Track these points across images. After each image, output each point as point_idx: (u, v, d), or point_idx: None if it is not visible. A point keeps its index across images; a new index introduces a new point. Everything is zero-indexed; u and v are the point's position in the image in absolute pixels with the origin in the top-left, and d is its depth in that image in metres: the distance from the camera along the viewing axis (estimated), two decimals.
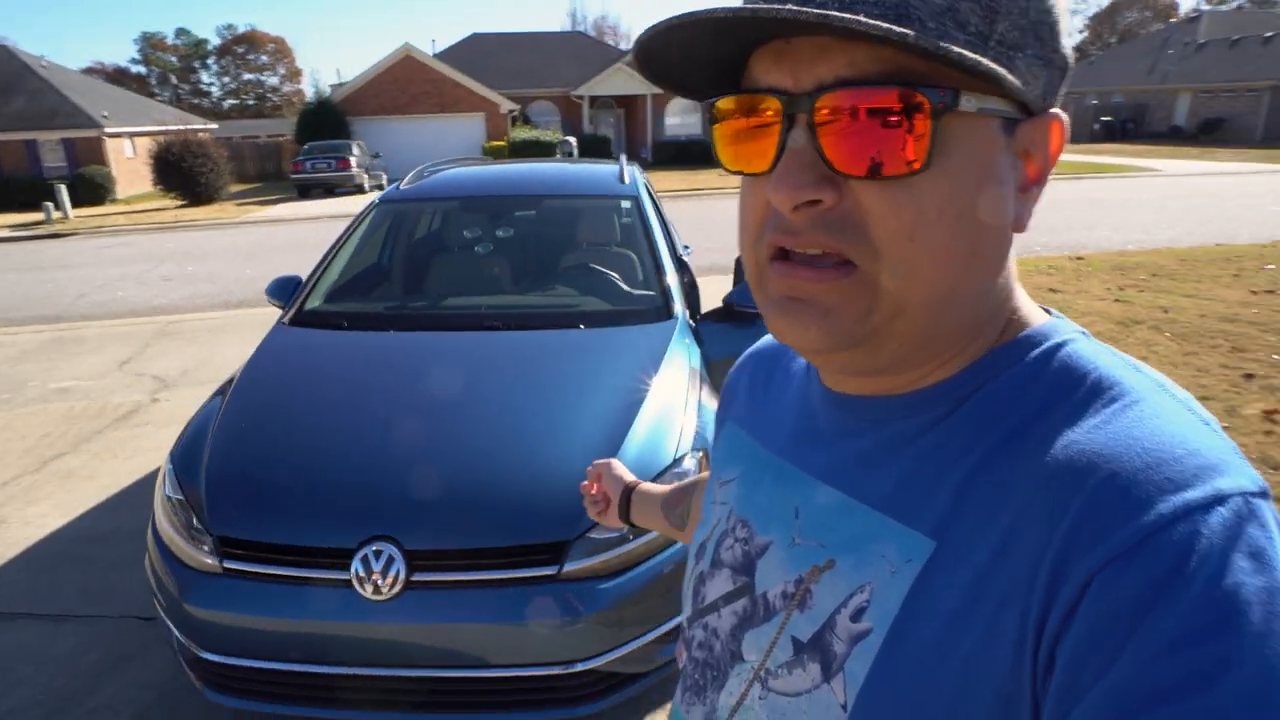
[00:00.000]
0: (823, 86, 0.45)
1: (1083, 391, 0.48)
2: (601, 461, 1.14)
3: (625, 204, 3.59)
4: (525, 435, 2.28)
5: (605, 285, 3.29)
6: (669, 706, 2.36)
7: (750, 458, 0.67)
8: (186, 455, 2.36)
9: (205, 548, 2.09)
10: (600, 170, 3.98)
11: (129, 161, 26.51)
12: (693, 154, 28.85)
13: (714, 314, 3.16)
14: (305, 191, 21.21)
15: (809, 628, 0.54)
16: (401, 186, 3.84)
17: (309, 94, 30.41)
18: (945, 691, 0.46)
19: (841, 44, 0.44)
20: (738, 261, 3.36)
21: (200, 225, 16.71)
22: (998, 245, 0.50)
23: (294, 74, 76.99)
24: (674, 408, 2.42)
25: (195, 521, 2.15)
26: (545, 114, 31.51)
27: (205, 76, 75.99)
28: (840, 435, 0.58)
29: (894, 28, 0.41)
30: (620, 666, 2.05)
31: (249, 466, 2.25)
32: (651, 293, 3.15)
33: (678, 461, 2.25)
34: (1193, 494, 0.41)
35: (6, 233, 17.05)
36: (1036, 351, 0.51)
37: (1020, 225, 0.50)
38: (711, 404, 2.63)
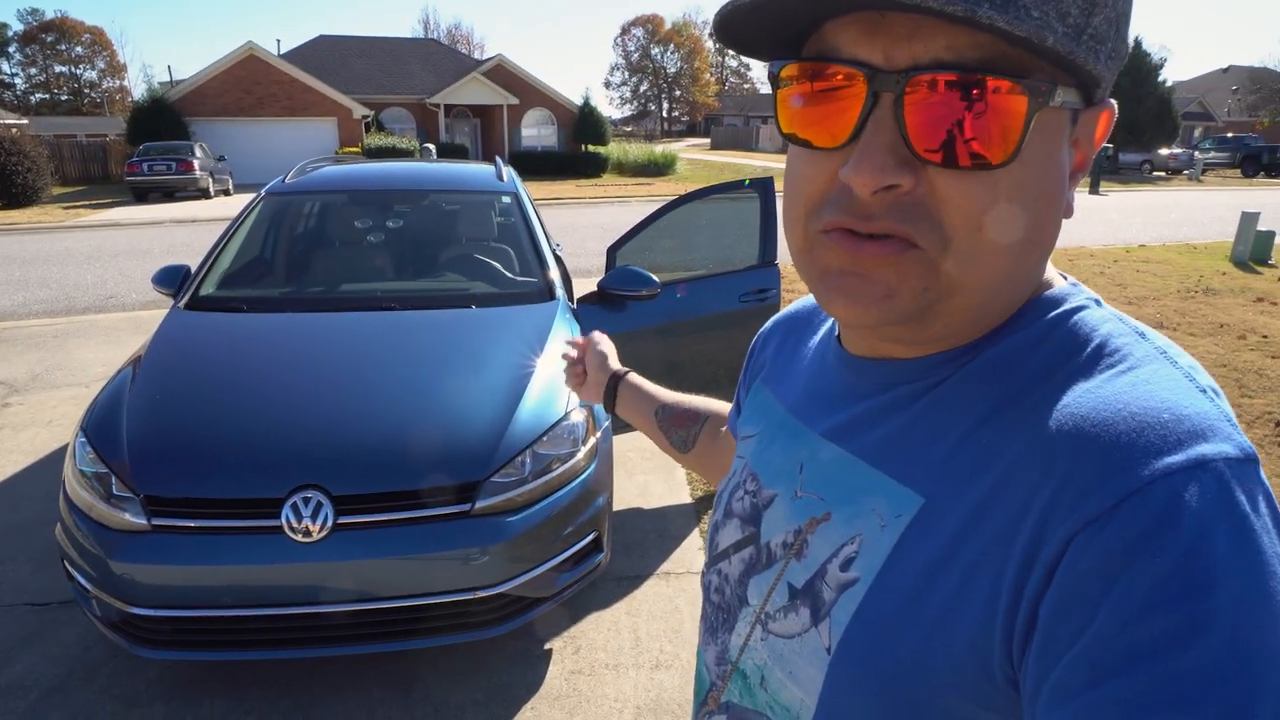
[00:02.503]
0: (918, 66, 0.44)
1: (1082, 356, 0.49)
2: (591, 335, 1.18)
3: (505, 199, 3.93)
4: (434, 392, 2.60)
5: (491, 272, 3.61)
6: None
7: (769, 416, 0.70)
8: (102, 427, 2.49)
9: (130, 510, 2.24)
10: (479, 169, 4.31)
11: None
12: (549, 165, 29.20)
13: (588, 298, 3.55)
14: (142, 195, 19.79)
15: (803, 575, 0.57)
16: (286, 180, 4.00)
17: (137, 92, 28.30)
18: (918, 641, 0.48)
19: (941, 24, 0.43)
20: (609, 250, 3.75)
21: (22, 229, 15.35)
22: (1055, 231, 0.50)
23: (116, 69, 70.99)
24: (559, 374, 2.79)
25: (117, 488, 2.29)
26: (400, 121, 30.95)
27: (6, 66, 68.80)
28: (850, 396, 0.60)
29: (1000, 18, 0.40)
30: (525, 591, 2.39)
31: (172, 430, 2.43)
32: (534, 279, 3.50)
33: (566, 416, 2.62)
34: (1174, 458, 0.41)
35: None
36: (1046, 317, 0.52)
37: (1069, 210, 0.51)
38: None
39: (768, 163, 36.47)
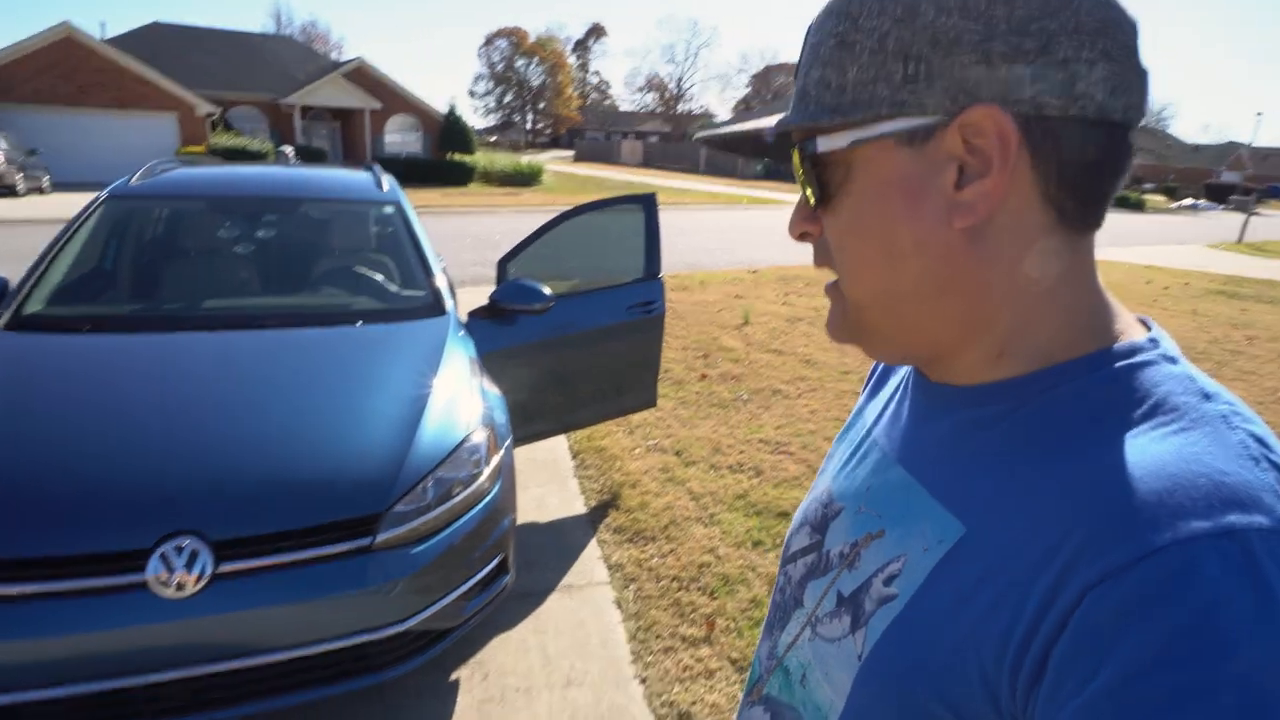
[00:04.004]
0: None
1: (1136, 410, 0.49)
2: None
3: (388, 209, 3.71)
4: (323, 418, 2.37)
5: (375, 285, 3.40)
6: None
7: (856, 435, 0.75)
8: None
9: None
10: (356, 176, 4.03)
11: None
12: (414, 173, 28.31)
13: (479, 312, 3.40)
14: None
15: (851, 585, 0.61)
16: (132, 182, 3.59)
17: None
18: (937, 663, 0.50)
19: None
20: (500, 263, 3.62)
21: None
22: (921, 248, 0.53)
23: None
24: (460, 390, 2.65)
25: None
26: (250, 120, 29.10)
27: None
28: (919, 420, 0.64)
29: (762, 124, 0.62)
30: (432, 624, 2.23)
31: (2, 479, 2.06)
32: (422, 293, 3.32)
33: (467, 438, 2.47)
34: (1200, 524, 0.41)
35: None
36: (1114, 366, 0.52)
37: (963, 221, 0.51)
38: (492, 388, 2.88)
39: (630, 176, 37.06)
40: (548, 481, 4.08)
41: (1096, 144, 0.50)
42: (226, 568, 1.98)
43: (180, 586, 1.92)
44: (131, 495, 2.05)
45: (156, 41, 29.12)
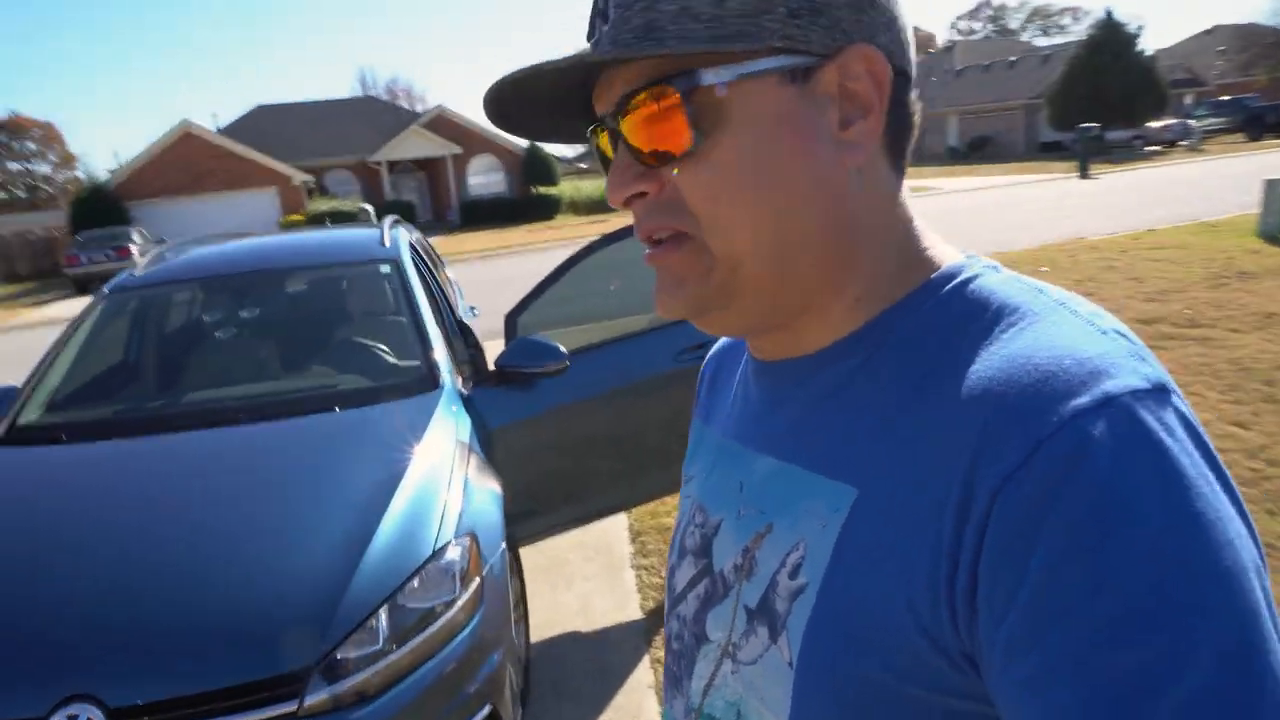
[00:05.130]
0: (615, 105, 0.53)
1: (984, 320, 0.50)
2: None
3: (384, 268, 3.34)
4: (252, 551, 2.00)
5: (365, 359, 3.05)
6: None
7: (708, 447, 0.71)
8: None
9: None
10: (358, 235, 3.72)
11: None
12: (500, 212, 28.83)
13: (486, 381, 2.99)
14: (84, 286, 19.10)
15: (755, 594, 0.56)
16: (136, 272, 3.41)
17: (85, 180, 27.76)
18: (875, 634, 0.46)
19: (622, 70, 0.53)
20: (507, 318, 3.20)
21: None
22: (820, 188, 0.52)
23: (67, 160, 69.76)
24: (435, 490, 2.22)
25: None
26: (344, 183, 30.47)
27: None
28: (772, 405, 0.61)
29: (606, 53, 0.51)
30: None
31: None
32: (415, 363, 2.93)
33: (438, 554, 2.04)
34: (1079, 400, 0.41)
35: None
36: (944, 289, 0.53)
37: (849, 163, 0.52)
38: (483, 481, 2.44)
39: None
40: (596, 574, 3.50)
41: (912, 97, 0.56)
42: None
43: None
44: (30, 653, 1.77)
45: (261, 123, 31.07)
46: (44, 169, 68.70)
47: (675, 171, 0.52)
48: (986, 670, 0.42)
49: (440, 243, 22.28)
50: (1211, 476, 0.41)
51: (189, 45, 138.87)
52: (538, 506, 3.05)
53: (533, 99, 0.57)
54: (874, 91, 0.51)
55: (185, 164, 24.87)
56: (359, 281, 3.49)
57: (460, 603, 2.01)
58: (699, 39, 0.49)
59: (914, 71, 0.56)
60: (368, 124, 32.01)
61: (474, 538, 2.16)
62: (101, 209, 23.21)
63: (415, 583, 1.97)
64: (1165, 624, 0.37)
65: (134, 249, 19.22)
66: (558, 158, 32.37)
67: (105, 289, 3.33)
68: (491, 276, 12.90)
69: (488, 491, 2.42)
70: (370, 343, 3.09)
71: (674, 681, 0.67)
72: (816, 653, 0.50)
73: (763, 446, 0.60)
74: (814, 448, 0.55)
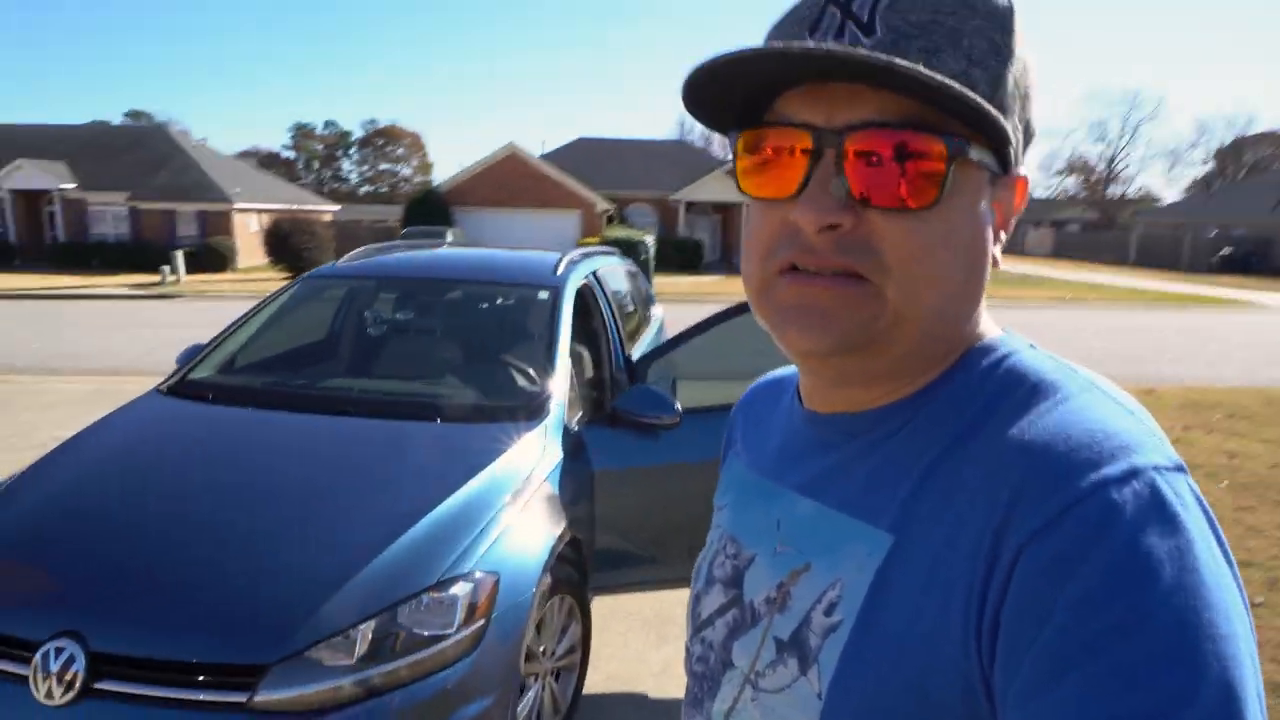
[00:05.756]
0: (852, 126, 0.51)
1: (1022, 393, 0.53)
2: None
3: (542, 294, 3.39)
4: (276, 538, 2.06)
5: (491, 377, 3.09)
6: None
7: (742, 483, 0.73)
8: None
9: None
10: (538, 259, 3.81)
11: (253, 235, 28.69)
12: None
13: (600, 420, 2.90)
14: None
15: (788, 627, 0.58)
16: (339, 264, 3.81)
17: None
18: (908, 672, 0.49)
19: (873, 91, 0.50)
20: (638, 363, 3.09)
21: None
22: (985, 273, 0.57)
23: (425, 166, 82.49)
24: (472, 519, 2.16)
25: None
26: (643, 215, 32.40)
27: (346, 165, 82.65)
28: (817, 451, 0.63)
29: (948, 81, 0.47)
30: None
31: None
32: (530, 390, 2.92)
33: (443, 584, 1.96)
34: (1109, 469, 0.45)
35: (125, 290, 18.55)
36: (985, 361, 0.57)
37: (997, 262, 0.58)
38: (540, 521, 2.34)
39: (1024, 267, 33.16)
40: (678, 637, 3.31)
41: None
42: (102, 685, 1.73)
43: (50, 694, 1.72)
44: (48, 582, 1.95)
45: (579, 153, 34.17)
46: (405, 171, 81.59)
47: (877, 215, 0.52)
48: (1000, 706, 0.45)
49: (712, 283, 22.92)
50: (1217, 550, 0.45)
51: (544, 77, 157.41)
52: (625, 558, 2.90)
53: (730, 80, 0.54)
54: (1012, 212, 0.59)
55: (505, 181, 28.00)
56: (518, 303, 3.59)
57: (454, 639, 1.91)
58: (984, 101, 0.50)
59: None
60: (675, 165, 33.87)
61: (496, 579, 2.06)
62: (431, 210, 26.79)
63: (412, 606, 1.91)
64: (1168, 676, 0.40)
65: (444, 246, 21.90)
66: None
67: (307, 274, 3.72)
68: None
69: (541, 533, 2.31)
70: (503, 363, 3.13)
71: (694, 702, 0.70)
72: (847, 685, 0.53)
73: (804, 489, 0.62)
74: (856, 496, 0.57)
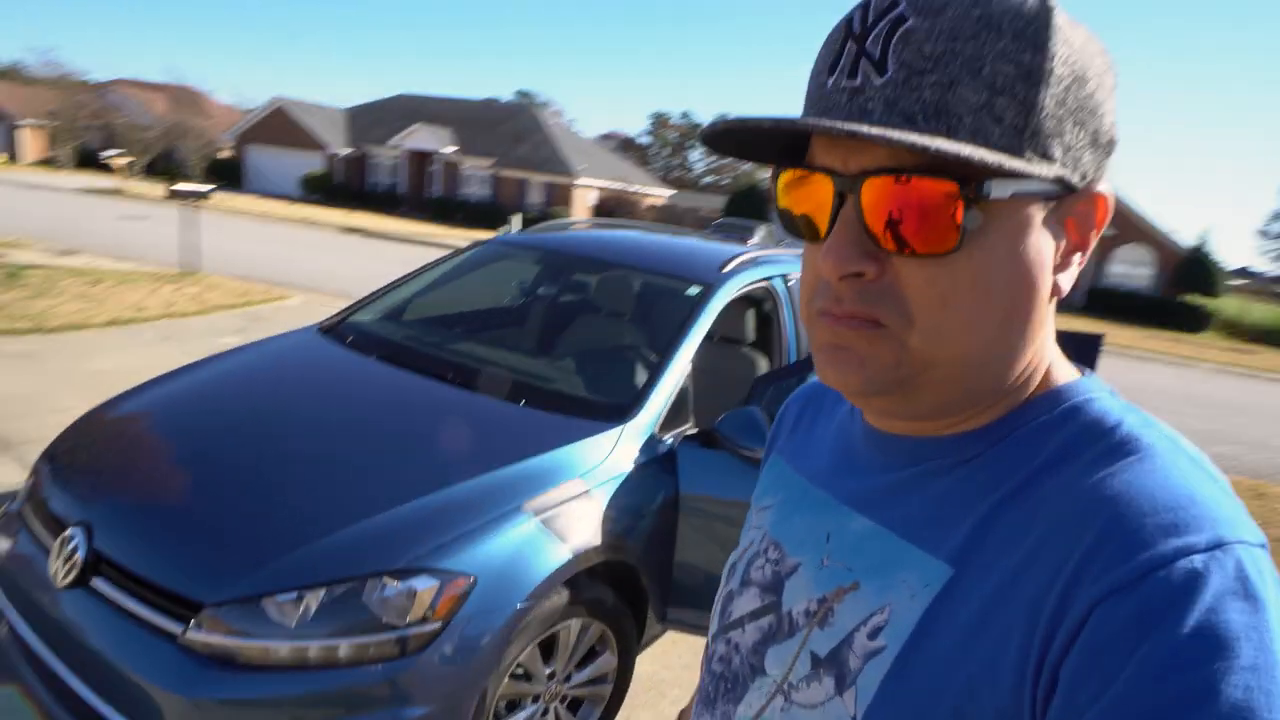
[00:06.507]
0: (866, 172, 0.49)
1: (1101, 442, 0.51)
2: None
3: (692, 291, 3.08)
4: (285, 484, 2.07)
5: (600, 369, 2.88)
6: None
7: (789, 486, 0.71)
8: None
9: None
10: (715, 252, 3.46)
11: (589, 208, 31.35)
12: (1133, 308, 25.00)
13: (695, 437, 2.56)
14: None
15: (827, 644, 0.57)
16: (522, 232, 3.83)
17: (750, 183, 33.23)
18: (947, 707, 0.48)
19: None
20: (756, 382, 2.69)
21: None
22: (1033, 311, 0.53)
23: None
24: (473, 513, 1.98)
25: None
26: None
27: (694, 155, 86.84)
28: (877, 469, 0.61)
29: (912, 138, 0.45)
30: None
31: (82, 426, 2.39)
32: (629, 388, 2.65)
33: (405, 572, 1.81)
34: (1195, 538, 0.43)
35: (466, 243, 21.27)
36: (1066, 405, 0.54)
37: (1058, 291, 0.54)
38: (561, 533, 2.10)
39: None
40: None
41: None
42: (95, 582, 1.85)
43: (56, 573, 1.88)
44: (103, 476, 2.14)
45: None
46: (746, 167, 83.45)
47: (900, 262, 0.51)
48: None
49: None
50: None
51: None
52: (688, 595, 2.56)
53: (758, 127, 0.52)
54: (1093, 228, 0.53)
55: None
56: (665, 295, 3.30)
57: (400, 634, 1.76)
58: (993, 143, 0.47)
59: None
60: None
61: (470, 580, 1.87)
62: (751, 204, 27.19)
63: (370, 586, 1.78)
64: None
65: (751, 240, 22.11)
66: (1223, 268, 26.51)
67: (491, 239, 3.75)
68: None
69: (560, 545, 2.07)
70: (618, 355, 2.91)
71: (706, 700, 0.68)
72: (884, 714, 0.51)
73: (859, 505, 0.60)
74: (915, 520, 0.56)
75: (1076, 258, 0.54)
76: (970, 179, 0.47)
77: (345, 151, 33.80)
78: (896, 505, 0.57)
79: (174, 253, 10.97)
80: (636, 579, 2.42)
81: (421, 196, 32.85)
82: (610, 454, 2.33)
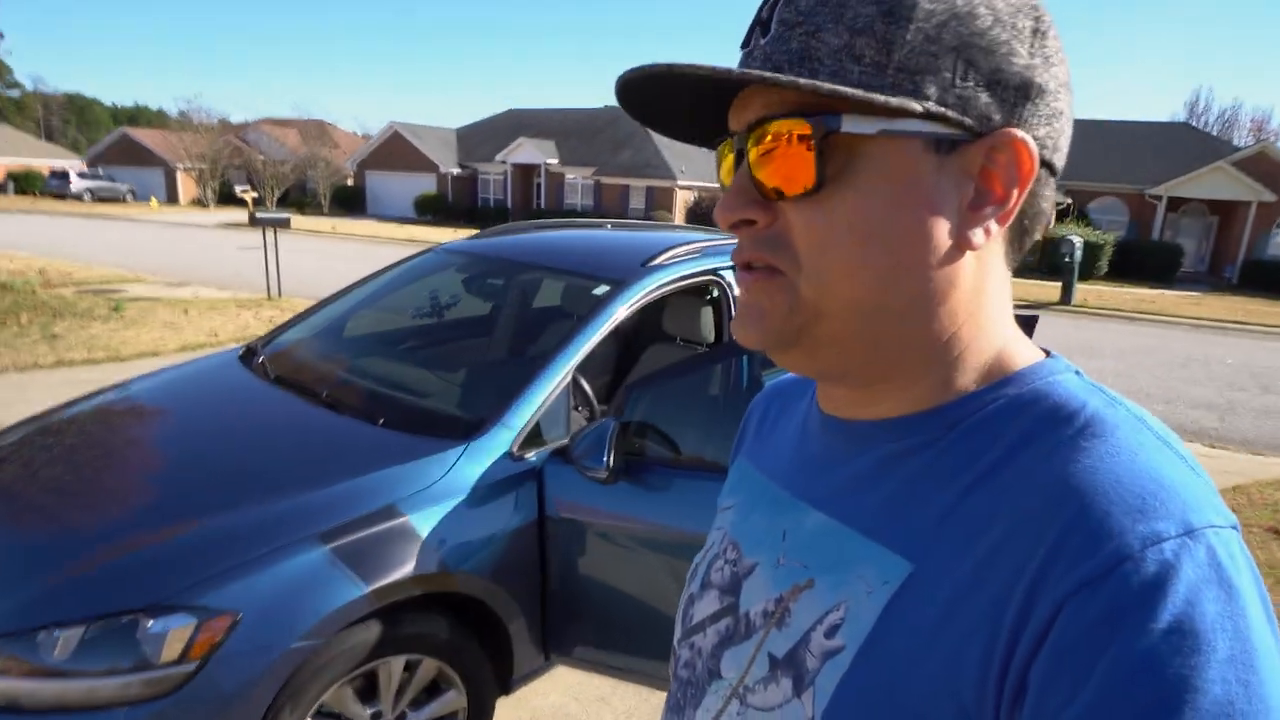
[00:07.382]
0: (750, 125, 0.52)
1: (1065, 427, 0.49)
2: None
3: (597, 290, 2.84)
4: (106, 510, 2.07)
5: (480, 384, 2.74)
6: None
7: (750, 486, 0.70)
8: None
9: None
10: (648, 242, 3.14)
11: (689, 210, 31.19)
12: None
13: (559, 453, 2.37)
14: None
15: (784, 644, 0.56)
16: (468, 240, 3.70)
17: None
18: (908, 707, 0.47)
19: (765, 91, 0.51)
20: (625, 389, 2.44)
21: None
22: (926, 261, 0.51)
23: None
24: (253, 543, 1.88)
25: None
26: (1109, 211, 27.43)
27: None
28: (833, 461, 0.60)
29: (743, 71, 0.48)
30: None
31: None
32: (483, 404, 2.48)
33: (159, 609, 1.73)
34: (1163, 526, 0.42)
35: None
36: (1027, 388, 0.53)
37: (968, 244, 0.51)
38: (364, 566, 1.96)
39: None
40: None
41: (1050, 191, 0.54)
42: None
43: None
44: None
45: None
46: None
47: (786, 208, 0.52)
48: None
49: (1164, 298, 18.40)
50: (1263, 614, 0.42)
51: None
52: (592, 633, 2.37)
53: (674, 95, 0.54)
54: (1015, 183, 0.51)
55: None
56: (574, 297, 3.08)
57: (147, 675, 1.69)
58: (851, 81, 0.48)
59: (1061, 167, 0.54)
60: (1166, 152, 27.94)
61: (233, 618, 1.77)
62: None
63: (124, 623, 1.72)
64: None
65: None
66: None
67: (435, 247, 3.56)
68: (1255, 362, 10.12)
69: (342, 578, 1.91)
70: (500, 367, 2.75)
71: (675, 708, 0.68)
72: (844, 715, 0.50)
73: (815, 501, 0.60)
74: (871, 514, 0.54)
75: (991, 211, 0.51)
76: (823, 116, 0.48)
77: (455, 171, 35.23)
78: (853, 499, 0.56)
79: (272, 279, 11.70)
80: (487, 611, 2.25)
81: (529, 210, 33.74)
82: (444, 476, 2.18)
